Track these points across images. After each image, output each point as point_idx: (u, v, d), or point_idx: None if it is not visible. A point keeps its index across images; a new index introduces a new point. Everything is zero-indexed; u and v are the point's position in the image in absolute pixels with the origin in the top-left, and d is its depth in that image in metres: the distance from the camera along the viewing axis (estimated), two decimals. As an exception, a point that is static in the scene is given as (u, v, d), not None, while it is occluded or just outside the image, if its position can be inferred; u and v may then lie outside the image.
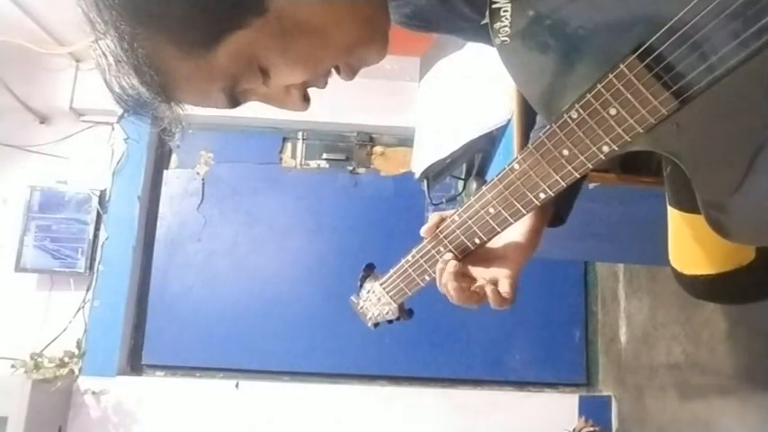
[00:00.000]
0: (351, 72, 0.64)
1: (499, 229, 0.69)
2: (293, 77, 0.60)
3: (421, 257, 0.76)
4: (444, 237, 0.74)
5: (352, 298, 0.88)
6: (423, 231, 0.75)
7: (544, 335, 2.85)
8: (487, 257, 0.76)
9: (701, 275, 0.92)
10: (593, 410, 2.61)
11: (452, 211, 0.73)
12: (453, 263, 0.73)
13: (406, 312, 0.84)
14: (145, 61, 0.55)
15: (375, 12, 0.62)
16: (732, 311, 1.88)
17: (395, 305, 0.83)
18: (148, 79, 0.56)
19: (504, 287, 0.73)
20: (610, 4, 0.51)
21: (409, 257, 0.77)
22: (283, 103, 0.64)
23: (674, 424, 2.16)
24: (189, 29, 0.53)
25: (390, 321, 0.86)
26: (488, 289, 0.72)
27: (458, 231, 0.72)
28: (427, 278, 0.77)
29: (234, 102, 0.61)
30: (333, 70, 0.64)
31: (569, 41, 0.54)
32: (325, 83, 0.64)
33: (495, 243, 0.75)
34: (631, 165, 1.38)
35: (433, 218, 0.75)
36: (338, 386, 2.74)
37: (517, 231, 0.76)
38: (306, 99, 0.64)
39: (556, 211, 0.80)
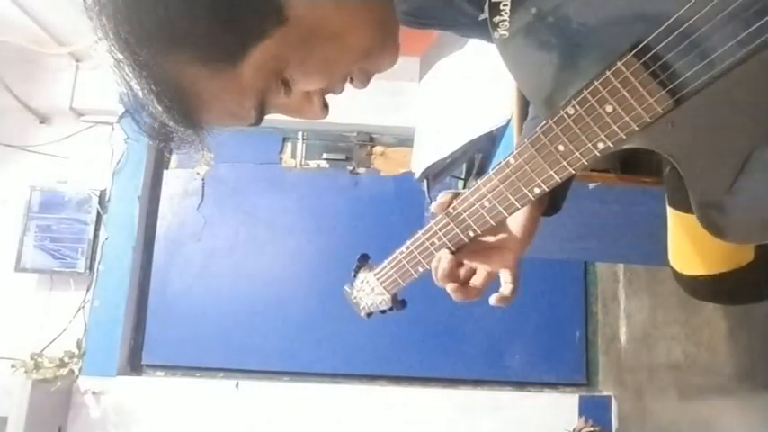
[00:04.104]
0: (365, 79, 0.65)
1: (493, 223, 0.70)
2: (313, 84, 0.61)
3: (415, 249, 0.77)
4: (439, 229, 0.74)
5: (346, 288, 0.88)
6: (433, 207, 0.75)
7: (544, 335, 2.84)
8: (486, 248, 0.77)
9: (701, 276, 0.92)
10: (593, 410, 2.61)
11: (466, 190, 0.73)
12: (448, 257, 0.74)
13: (399, 303, 0.84)
14: (170, 86, 0.55)
15: (386, 15, 0.64)
16: (732, 312, 1.88)
17: (388, 295, 0.83)
18: (172, 105, 0.56)
19: (506, 291, 0.77)
20: (611, 2, 0.51)
21: (404, 248, 0.78)
22: (303, 112, 0.64)
23: (674, 424, 2.16)
24: (214, 45, 0.53)
25: (383, 311, 0.86)
26: (493, 299, 0.78)
27: (452, 224, 0.73)
28: (421, 269, 0.77)
29: (262, 117, 0.62)
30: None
31: (570, 39, 0.54)
32: (342, 88, 0.65)
33: (493, 233, 0.75)
34: (631, 165, 1.37)
35: (444, 195, 0.75)
36: (338, 386, 2.74)
37: (514, 222, 0.76)
38: (325, 106, 0.65)
39: (551, 201, 0.80)
